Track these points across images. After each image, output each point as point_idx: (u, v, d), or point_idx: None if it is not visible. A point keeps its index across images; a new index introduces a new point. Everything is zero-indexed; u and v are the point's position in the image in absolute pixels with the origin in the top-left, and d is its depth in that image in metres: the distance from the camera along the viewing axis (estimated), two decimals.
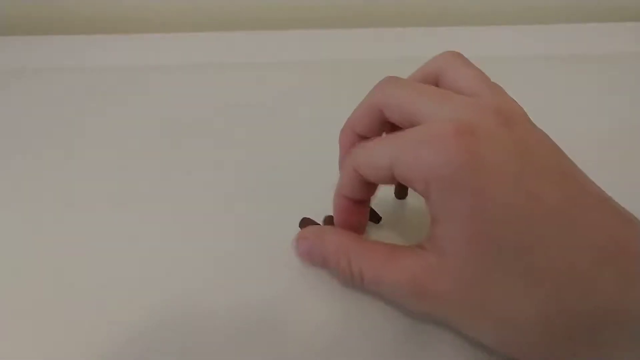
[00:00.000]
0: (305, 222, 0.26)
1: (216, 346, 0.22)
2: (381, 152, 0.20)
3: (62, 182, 0.30)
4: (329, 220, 0.26)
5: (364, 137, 0.22)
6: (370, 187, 0.22)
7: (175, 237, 0.27)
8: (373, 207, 0.27)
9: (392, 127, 0.22)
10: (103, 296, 0.24)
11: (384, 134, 0.22)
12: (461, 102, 0.19)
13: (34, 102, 0.37)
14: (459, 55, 0.22)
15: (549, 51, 0.42)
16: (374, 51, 0.42)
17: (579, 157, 0.19)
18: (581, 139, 0.25)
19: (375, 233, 0.27)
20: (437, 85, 0.22)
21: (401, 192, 0.28)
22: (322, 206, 0.27)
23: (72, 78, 0.39)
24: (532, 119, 0.20)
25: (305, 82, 0.38)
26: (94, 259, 0.26)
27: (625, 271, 0.16)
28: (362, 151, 0.21)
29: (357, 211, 0.23)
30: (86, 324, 0.23)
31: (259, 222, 0.27)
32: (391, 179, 0.20)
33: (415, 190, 0.19)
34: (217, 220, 0.27)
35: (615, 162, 0.30)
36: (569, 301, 0.17)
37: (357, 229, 0.24)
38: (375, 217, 0.27)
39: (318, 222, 0.26)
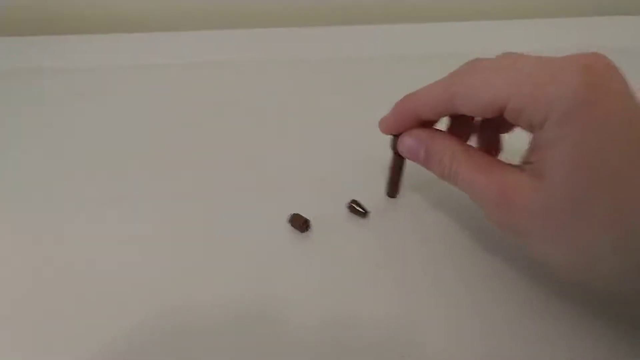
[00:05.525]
0: (296, 218, 0.26)
1: (210, 344, 0.22)
2: (497, 83, 0.20)
3: (49, 183, 0.30)
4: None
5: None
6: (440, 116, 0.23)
7: (165, 235, 0.27)
8: (360, 202, 0.27)
9: None
10: (93, 297, 0.24)
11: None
12: (564, 56, 0.20)
13: (21, 102, 0.37)
14: None
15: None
16: (369, 48, 0.42)
17: None
18: None
19: (365, 229, 0.27)
20: None
21: (393, 190, 0.28)
22: (312, 201, 0.27)
23: (60, 78, 0.39)
24: None
25: (297, 79, 0.38)
26: (84, 258, 0.26)
27: None
28: (468, 79, 0.21)
29: (411, 123, 0.24)
30: (78, 325, 0.23)
31: (250, 218, 0.28)
32: (492, 112, 0.20)
33: (525, 122, 0.20)
34: (206, 218, 0.28)
35: None
36: None
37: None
38: (362, 212, 0.27)
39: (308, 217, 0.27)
